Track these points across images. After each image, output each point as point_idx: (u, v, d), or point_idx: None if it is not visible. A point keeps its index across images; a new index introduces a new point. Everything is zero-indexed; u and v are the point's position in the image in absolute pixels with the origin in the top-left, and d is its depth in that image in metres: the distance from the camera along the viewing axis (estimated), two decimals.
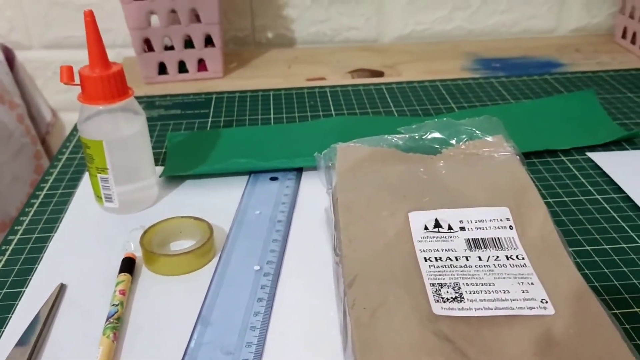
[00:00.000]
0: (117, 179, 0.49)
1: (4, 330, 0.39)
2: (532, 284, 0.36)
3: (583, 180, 0.54)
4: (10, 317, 0.40)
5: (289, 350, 0.37)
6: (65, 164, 0.60)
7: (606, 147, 0.59)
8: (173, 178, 0.56)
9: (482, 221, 0.41)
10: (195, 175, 0.56)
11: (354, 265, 0.38)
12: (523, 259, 0.38)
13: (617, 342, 0.32)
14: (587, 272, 0.42)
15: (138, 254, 0.45)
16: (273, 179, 0.55)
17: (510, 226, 0.41)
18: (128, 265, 0.44)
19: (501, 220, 0.41)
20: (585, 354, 0.31)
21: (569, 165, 0.57)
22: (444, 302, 0.35)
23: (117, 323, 0.38)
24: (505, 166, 0.46)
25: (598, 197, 0.51)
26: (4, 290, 0.43)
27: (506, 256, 0.38)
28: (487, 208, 0.42)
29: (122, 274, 0.43)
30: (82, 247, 0.47)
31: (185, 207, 0.51)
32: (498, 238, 0.40)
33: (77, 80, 0.47)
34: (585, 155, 0.58)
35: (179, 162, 0.58)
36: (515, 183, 0.44)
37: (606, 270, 0.43)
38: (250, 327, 0.38)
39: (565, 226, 0.48)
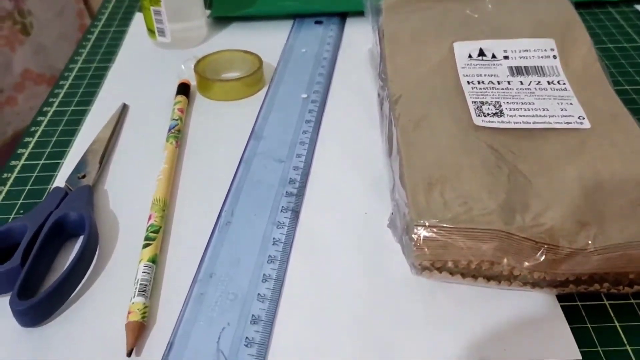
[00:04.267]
0: (169, 14, 0.51)
1: (75, 140, 0.43)
2: (571, 104, 0.38)
3: (629, 29, 0.54)
4: (80, 129, 0.44)
5: (335, 160, 0.40)
6: (116, 4, 0.61)
7: None
8: (220, 21, 0.57)
9: (527, 51, 0.42)
10: (241, 18, 0.57)
11: (398, 87, 0.40)
12: (564, 84, 0.39)
13: None
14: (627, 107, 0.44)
15: (192, 82, 0.48)
16: (318, 22, 0.56)
17: (554, 56, 0.41)
18: (184, 89, 0.46)
19: (545, 50, 0.42)
20: (616, 159, 0.33)
21: (617, 16, 0.56)
22: (485, 116, 0.37)
23: (178, 134, 0.42)
24: (553, 3, 0.46)
25: None
26: (71, 108, 0.46)
27: (547, 81, 0.40)
28: (532, 39, 0.43)
29: (179, 95, 0.45)
30: (139, 75, 0.50)
31: (231, 46, 0.53)
32: (541, 66, 0.41)
33: None
34: (633, 7, 0.57)
35: (226, 4, 0.59)
36: (562, 18, 0.45)
37: None
38: (299, 142, 0.41)
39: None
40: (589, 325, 0.29)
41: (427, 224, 0.29)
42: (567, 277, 0.29)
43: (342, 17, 0.57)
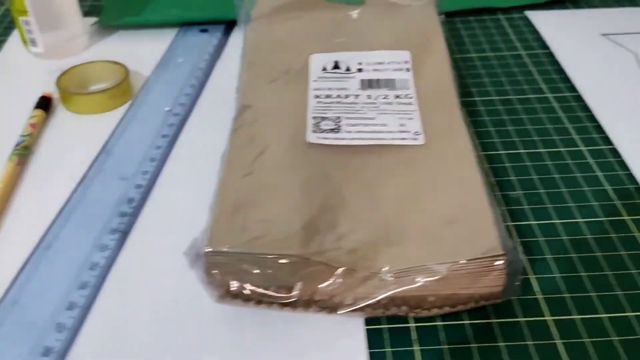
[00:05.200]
0: (40, 23, 0.50)
1: None
2: (411, 119, 0.37)
3: (513, 37, 0.54)
4: None
5: (182, 177, 0.39)
6: (5, 13, 0.60)
7: (549, 7, 0.58)
8: (106, 28, 0.56)
9: (381, 63, 0.41)
10: (129, 25, 0.56)
11: (248, 99, 0.39)
12: (411, 98, 0.39)
13: (470, 167, 0.33)
14: (487, 118, 0.43)
15: (57, 95, 0.47)
16: (203, 30, 0.55)
17: (407, 69, 0.41)
18: (43, 103, 0.45)
19: (399, 63, 0.41)
20: (437, 177, 0.33)
21: (505, 23, 0.56)
22: (321, 132, 0.36)
23: (24, 151, 0.40)
24: (420, 15, 0.46)
25: (522, 52, 0.51)
26: None
27: (395, 95, 0.39)
28: (389, 51, 0.42)
29: (36, 110, 0.44)
30: (5, 88, 0.48)
31: (113, 55, 0.52)
32: (393, 79, 0.40)
33: None
34: (523, 13, 0.57)
35: (114, 12, 0.57)
36: (423, 30, 0.44)
37: (505, 118, 0.44)
38: (150, 159, 0.40)
39: (478, 78, 0.48)
40: (386, 350, 0.28)
41: (217, 249, 0.28)
42: (367, 301, 0.29)
43: (230, 26, 0.56)
